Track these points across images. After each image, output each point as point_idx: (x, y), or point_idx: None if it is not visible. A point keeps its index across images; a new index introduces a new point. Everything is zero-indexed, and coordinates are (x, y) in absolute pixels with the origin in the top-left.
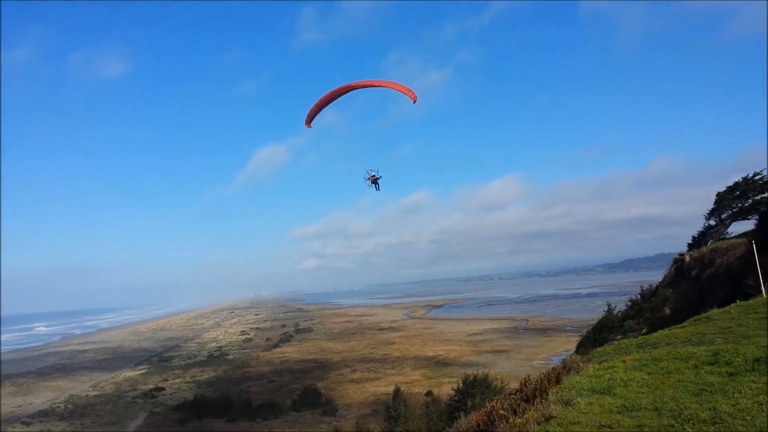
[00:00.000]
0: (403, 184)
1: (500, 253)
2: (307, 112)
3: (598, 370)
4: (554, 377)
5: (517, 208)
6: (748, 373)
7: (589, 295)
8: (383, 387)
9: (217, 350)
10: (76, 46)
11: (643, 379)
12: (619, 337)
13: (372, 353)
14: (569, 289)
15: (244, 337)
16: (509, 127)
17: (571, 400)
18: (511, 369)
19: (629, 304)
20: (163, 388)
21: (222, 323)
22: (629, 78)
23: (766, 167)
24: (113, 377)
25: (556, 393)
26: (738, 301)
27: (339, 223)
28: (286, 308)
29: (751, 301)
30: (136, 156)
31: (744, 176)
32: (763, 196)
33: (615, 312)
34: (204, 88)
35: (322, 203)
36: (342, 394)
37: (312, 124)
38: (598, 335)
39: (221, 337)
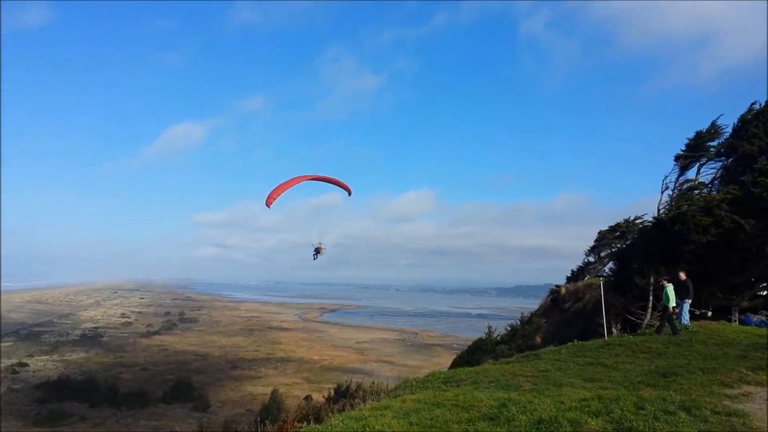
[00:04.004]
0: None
1: (401, 265)
2: (269, 193)
3: (366, 410)
4: (291, 424)
5: (425, 223)
6: None
7: (479, 315)
8: (262, 387)
9: (92, 330)
10: None
11: None
12: (490, 360)
13: (257, 351)
14: (461, 307)
15: (123, 320)
16: (432, 142)
17: None
18: (393, 379)
19: (508, 328)
20: (27, 364)
21: (103, 303)
22: (551, 112)
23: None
24: None
25: None
26: (575, 340)
27: (245, 214)
28: (174, 295)
29: (588, 342)
30: (37, 112)
31: (626, 218)
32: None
33: (495, 335)
34: (123, 51)
35: (232, 191)
36: (217, 390)
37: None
38: (471, 356)
39: (99, 317)
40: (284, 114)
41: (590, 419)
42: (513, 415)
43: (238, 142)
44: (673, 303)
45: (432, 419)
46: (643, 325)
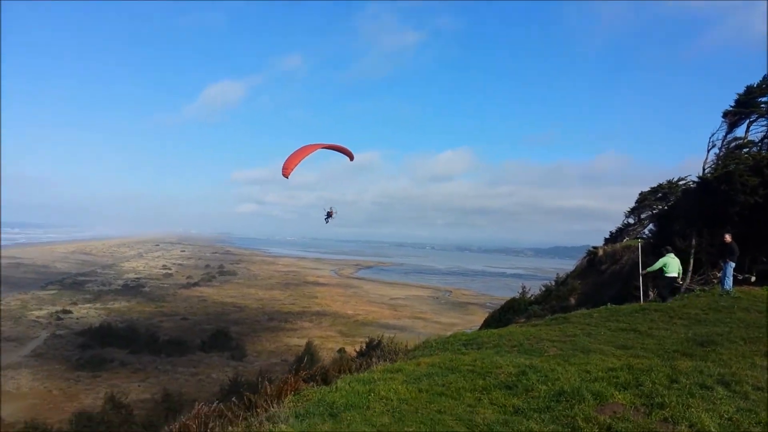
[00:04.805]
0: (356, 141)
1: (438, 224)
2: (285, 164)
3: (376, 372)
4: (292, 385)
5: (464, 182)
6: (536, 414)
7: (514, 275)
8: (297, 339)
9: (134, 281)
10: None
11: (403, 399)
12: (522, 320)
13: (293, 304)
14: (496, 267)
15: (165, 271)
16: (473, 100)
17: (279, 421)
18: (426, 335)
19: (543, 289)
20: (70, 312)
21: (145, 255)
22: (597, 71)
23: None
24: (20, 294)
25: (289, 404)
26: (609, 304)
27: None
28: (214, 249)
29: (622, 306)
30: (80, 63)
31: (669, 180)
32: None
33: (529, 295)
34: (167, 10)
35: (270, 148)
36: (254, 340)
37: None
38: (504, 316)
39: (141, 268)
40: (322, 72)
41: (617, 392)
42: (532, 384)
43: (276, 100)
44: (673, 273)
45: (444, 386)
46: (682, 289)
